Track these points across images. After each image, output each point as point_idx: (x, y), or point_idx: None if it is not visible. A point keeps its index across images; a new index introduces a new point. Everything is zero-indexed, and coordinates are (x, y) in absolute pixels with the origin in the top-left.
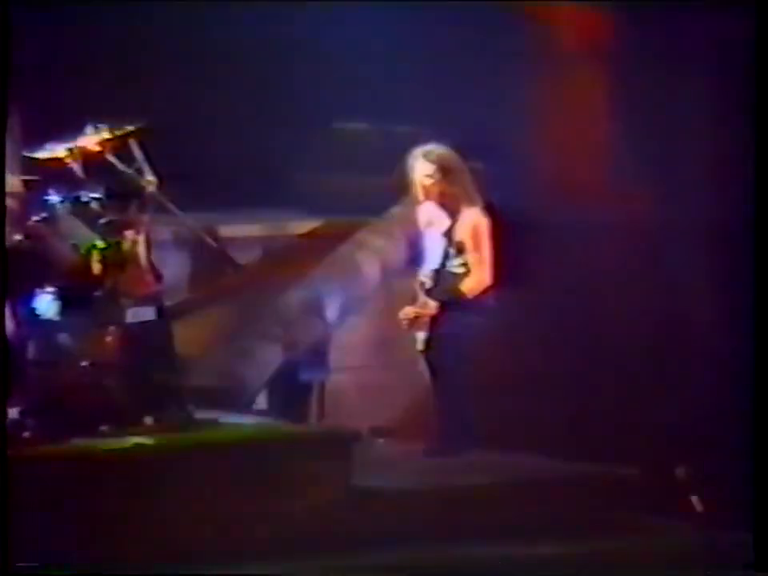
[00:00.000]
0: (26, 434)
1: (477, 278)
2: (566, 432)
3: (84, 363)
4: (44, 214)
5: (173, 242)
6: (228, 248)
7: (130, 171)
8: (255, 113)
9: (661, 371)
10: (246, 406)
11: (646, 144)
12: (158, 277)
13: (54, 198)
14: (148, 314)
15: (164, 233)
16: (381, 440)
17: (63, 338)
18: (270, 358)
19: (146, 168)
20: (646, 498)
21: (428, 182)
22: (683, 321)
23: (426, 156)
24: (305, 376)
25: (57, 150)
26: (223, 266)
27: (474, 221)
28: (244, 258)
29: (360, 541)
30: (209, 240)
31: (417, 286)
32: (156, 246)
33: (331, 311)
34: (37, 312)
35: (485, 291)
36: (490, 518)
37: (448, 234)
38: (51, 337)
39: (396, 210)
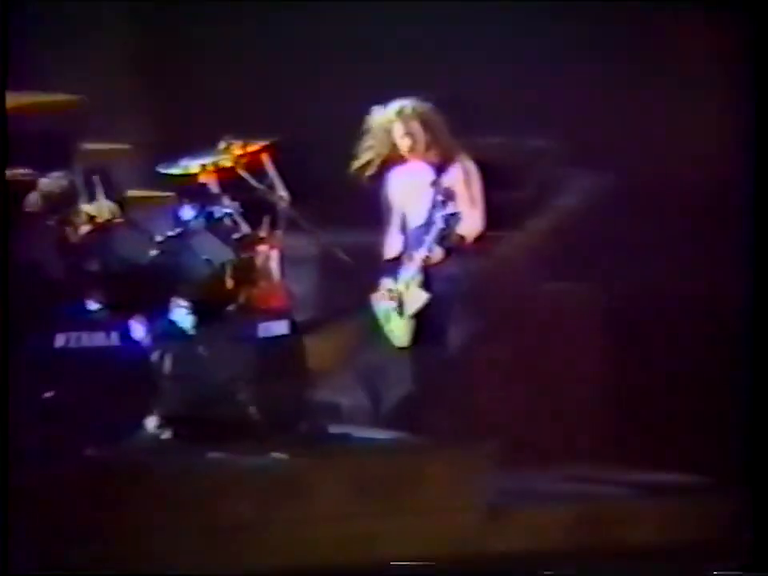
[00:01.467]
0: (162, 448)
1: (472, 222)
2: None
3: (218, 377)
4: (178, 230)
5: (305, 257)
6: (359, 262)
7: (262, 187)
8: None
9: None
10: (378, 421)
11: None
12: (290, 292)
13: (187, 213)
14: (280, 328)
15: (296, 248)
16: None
17: (197, 351)
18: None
19: (279, 183)
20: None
21: (410, 139)
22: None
23: (402, 113)
24: (437, 390)
25: (191, 166)
26: (354, 280)
27: (464, 167)
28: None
29: (494, 559)
30: (341, 255)
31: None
32: (288, 261)
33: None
34: (172, 326)
35: (480, 236)
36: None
37: (435, 184)
38: (186, 351)
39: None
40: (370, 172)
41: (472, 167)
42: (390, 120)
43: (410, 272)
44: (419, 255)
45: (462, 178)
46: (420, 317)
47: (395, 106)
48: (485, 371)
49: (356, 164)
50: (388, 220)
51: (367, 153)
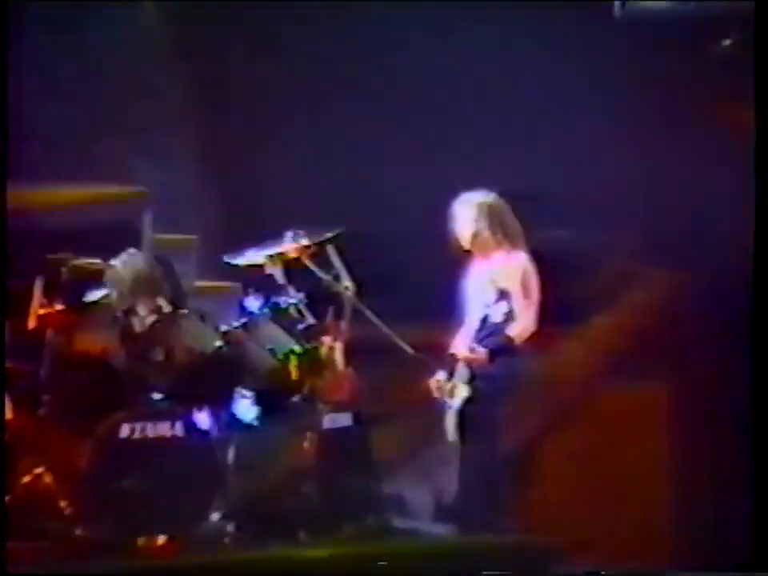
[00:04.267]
0: (226, 540)
1: (523, 323)
2: None
3: (282, 469)
4: (243, 320)
5: (369, 348)
6: (424, 353)
7: (327, 277)
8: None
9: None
10: (445, 516)
11: None
12: (355, 383)
13: (253, 303)
14: (345, 420)
15: (361, 339)
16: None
17: (262, 442)
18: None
19: (344, 273)
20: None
21: (471, 230)
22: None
23: (468, 204)
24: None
25: (257, 257)
26: (420, 371)
27: (521, 266)
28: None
29: None
30: (405, 346)
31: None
32: (353, 352)
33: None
34: (236, 416)
35: (530, 337)
36: None
37: (492, 281)
38: (250, 442)
39: None
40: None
41: (530, 266)
42: (460, 206)
43: (460, 368)
44: (463, 353)
45: (520, 276)
46: (464, 412)
47: (468, 195)
48: (536, 467)
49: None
50: (462, 314)
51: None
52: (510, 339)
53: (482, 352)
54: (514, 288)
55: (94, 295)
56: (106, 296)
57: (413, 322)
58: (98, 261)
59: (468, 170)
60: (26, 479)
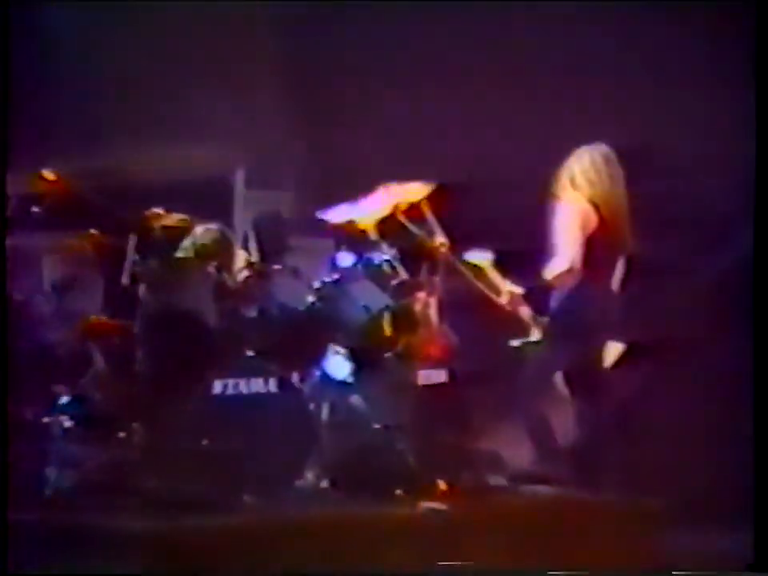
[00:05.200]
0: (321, 498)
1: (556, 262)
2: None
3: (377, 426)
4: (336, 276)
5: (464, 304)
6: (518, 307)
7: (421, 233)
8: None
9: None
10: (539, 474)
11: None
12: (450, 339)
13: (346, 259)
14: (440, 376)
15: (456, 294)
16: None
17: (356, 399)
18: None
19: (438, 229)
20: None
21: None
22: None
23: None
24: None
25: (350, 213)
26: (513, 327)
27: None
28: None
29: None
30: (500, 301)
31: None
32: (447, 308)
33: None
34: (330, 373)
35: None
36: None
37: None
38: (344, 398)
39: None
40: None
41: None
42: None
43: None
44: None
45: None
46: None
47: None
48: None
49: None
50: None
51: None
52: (543, 279)
53: (517, 293)
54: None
55: (185, 251)
56: (195, 253)
57: (509, 275)
58: (188, 218)
59: (563, 121)
60: (121, 435)
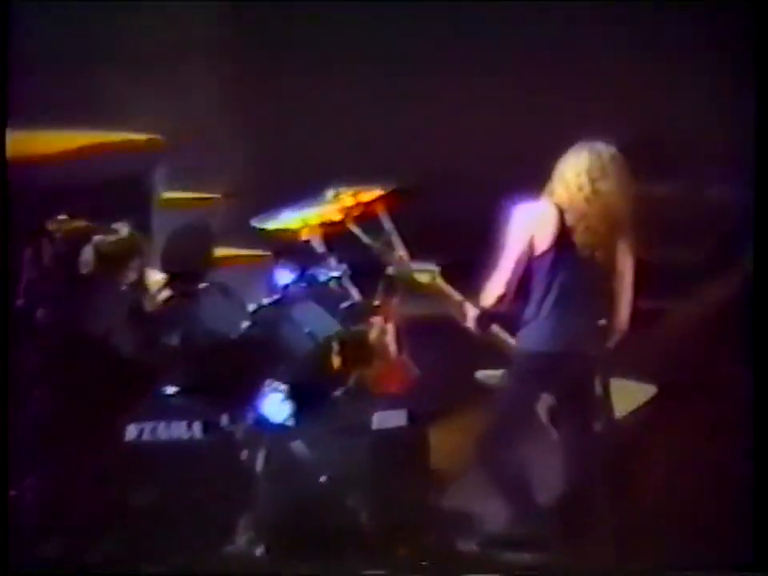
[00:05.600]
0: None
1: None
2: None
3: (322, 478)
4: (275, 296)
5: (427, 329)
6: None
7: (377, 245)
8: None
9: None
10: (522, 537)
11: None
12: (410, 373)
13: (286, 276)
14: (398, 418)
15: (417, 319)
16: None
17: (297, 446)
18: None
19: (397, 240)
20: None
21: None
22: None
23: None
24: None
25: (291, 220)
26: (488, 357)
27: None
28: None
29: None
30: (467, 324)
31: None
32: (407, 335)
33: None
34: (265, 415)
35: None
36: None
37: None
38: (283, 445)
39: None
40: None
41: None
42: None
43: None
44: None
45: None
46: None
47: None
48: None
49: None
50: None
51: None
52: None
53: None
54: None
55: (86, 262)
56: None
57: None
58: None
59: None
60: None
